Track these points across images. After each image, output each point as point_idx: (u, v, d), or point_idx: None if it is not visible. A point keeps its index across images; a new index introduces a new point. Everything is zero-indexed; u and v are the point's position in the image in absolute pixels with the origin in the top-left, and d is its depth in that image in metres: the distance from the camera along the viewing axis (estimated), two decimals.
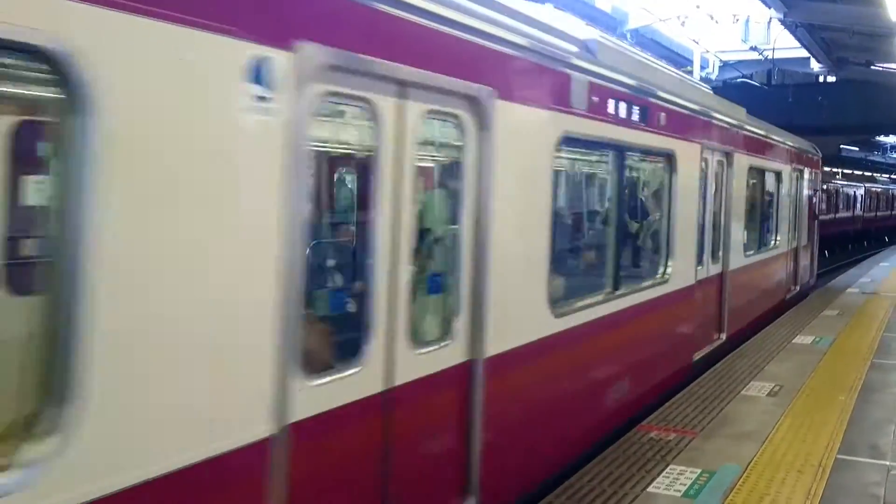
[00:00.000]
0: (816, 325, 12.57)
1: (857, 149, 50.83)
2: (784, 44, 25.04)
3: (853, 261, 29.77)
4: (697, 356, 9.46)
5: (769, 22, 23.80)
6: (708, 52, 24.61)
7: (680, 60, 25.15)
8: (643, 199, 9.08)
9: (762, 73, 30.74)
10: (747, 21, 23.75)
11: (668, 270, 8.30)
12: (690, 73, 23.72)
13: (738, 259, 10.97)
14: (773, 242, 13.67)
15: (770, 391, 8.46)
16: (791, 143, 14.98)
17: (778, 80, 31.29)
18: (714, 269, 10.01)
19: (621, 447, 6.64)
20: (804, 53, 25.84)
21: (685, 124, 8.71)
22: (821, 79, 32.21)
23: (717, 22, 22.56)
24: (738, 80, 28.55)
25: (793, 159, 14.78)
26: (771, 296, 13.71)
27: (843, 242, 39.95)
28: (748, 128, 11.83)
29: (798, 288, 15.80)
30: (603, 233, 7.65)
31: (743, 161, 11.11)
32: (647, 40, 23.16)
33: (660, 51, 24.43)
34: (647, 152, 8.14)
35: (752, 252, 12.00)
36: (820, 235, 18.44)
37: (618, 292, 7.05)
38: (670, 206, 8.38)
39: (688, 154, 8.69)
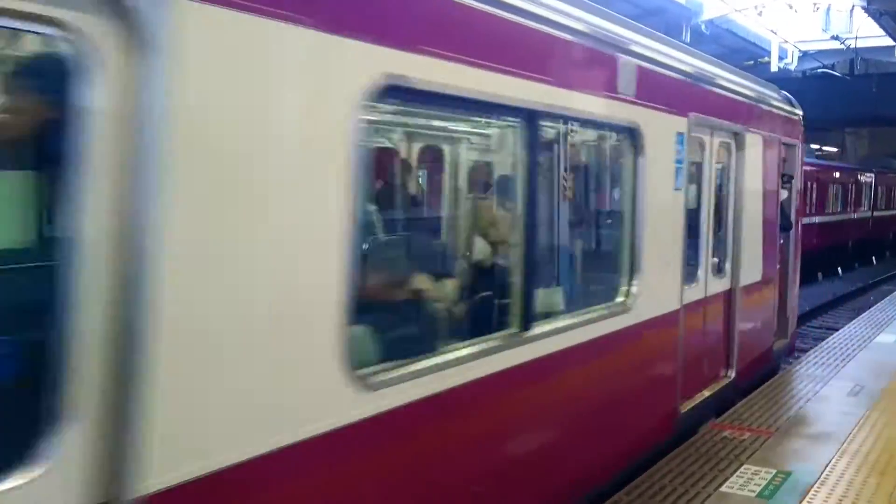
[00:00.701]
0: None
1: None
2: (867, 32, 24.16)
3: None
4: None
5: (851, 10, 23.00)
6: (787, 42, 23.89)
7: (757, 51, 24.51)
8: None
9: (845, 64, 29.72)
10: (828, 10, 23.00)
11: None
12: (768, 64, 23.13)
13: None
14: (603, 304, 5.81)
15: (850, 391, 8.22)
16: (702, 74, 7.18)
17: (861, 69, 30.20)
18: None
19: (693, 445, 6.55)
20: (889, 42, 24.86)
21: None
22: None
23: (795, 11, 21.90)
24: (819, 70, 27.68)
25: (706, 108, 7.09)
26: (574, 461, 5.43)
27: None
28: None
29: (732, 373, 7.90)
30: None
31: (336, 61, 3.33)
32: (723, 31, 22.62)
33: (736, 41, 23.87)
34: None
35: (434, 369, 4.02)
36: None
37: None
38: None
39: None
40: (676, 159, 6.50)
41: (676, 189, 6.54)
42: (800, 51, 24.87)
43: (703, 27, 21.30)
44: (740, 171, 7.99)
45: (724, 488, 5.65)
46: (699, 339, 7.22)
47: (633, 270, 5.87)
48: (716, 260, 7.62)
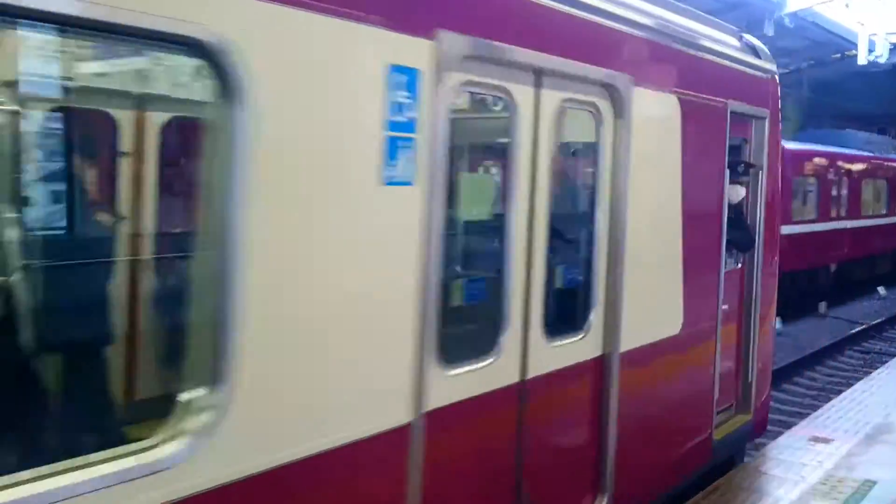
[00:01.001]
0: None
1: None
2: None
3: None
4: None
5: None
6: (875, 34, 23.07)
7: (844, 44, 23.76)
8: None
9: None
10: None
11: None
12: (856, 56, 22.38)
13: None
14: None
15: None
16: None
17: None
18: None
19: (776, 450, 6.41)
20: None
21: None
22: None
23: (885, 2, 21.14)
24: None
25: (512, 31, 3.98)
26: None
27: None
28: None
29: (605, 502, 4.85)
30: None
31: None
32: (809, 23, 21.98)
33: (822, 34, 23.19)
34: None
35: None
36: None
37: None
38: None
39: None
40: (391, 122, 3.34)
41: (393, 183, 3.39)
42: (890, 43, 23.98)
43: (786, 20, 20.72)
44: (622, 154, 4.75)
45: (808, 495, 5.52)
46: (500, 465, 4.12)
47: (214, 371, 2.72)
48: (552, 309, 4.37)
